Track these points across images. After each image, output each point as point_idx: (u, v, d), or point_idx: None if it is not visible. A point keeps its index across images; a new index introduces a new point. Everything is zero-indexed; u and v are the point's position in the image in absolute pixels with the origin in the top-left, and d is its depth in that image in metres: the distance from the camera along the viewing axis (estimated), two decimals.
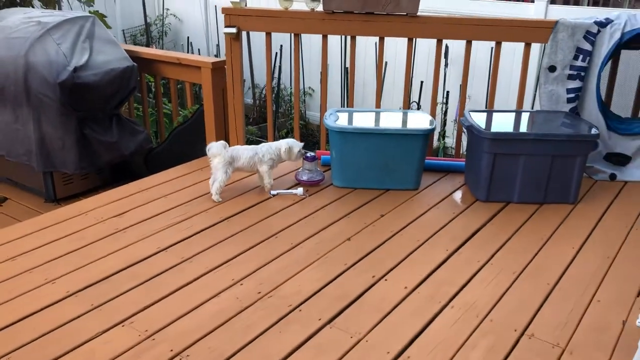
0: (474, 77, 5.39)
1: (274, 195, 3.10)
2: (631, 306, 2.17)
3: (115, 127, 3.64)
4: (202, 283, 2.28)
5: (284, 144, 3.12)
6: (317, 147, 6.40)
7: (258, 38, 6.69)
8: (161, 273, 2.34)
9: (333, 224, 2.80)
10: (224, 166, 2.98)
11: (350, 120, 3.34)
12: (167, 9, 9.01)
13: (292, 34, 3.59)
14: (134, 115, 4.28)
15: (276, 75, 7.21)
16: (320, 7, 3.40)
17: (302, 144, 3.18)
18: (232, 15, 3.43)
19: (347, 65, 6.56)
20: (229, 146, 3.07)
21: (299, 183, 3.25)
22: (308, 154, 3.24)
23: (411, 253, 2.54)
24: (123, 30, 8.48)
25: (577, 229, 2.80)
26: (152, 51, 4.23)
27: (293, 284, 2.28)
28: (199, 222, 2.79)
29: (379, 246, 2.59)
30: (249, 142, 3.85)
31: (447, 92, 5.95)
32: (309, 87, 7.27)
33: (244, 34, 3.55)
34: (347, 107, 6.41)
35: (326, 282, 2.30)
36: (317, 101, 7.22)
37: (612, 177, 3.39)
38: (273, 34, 3.60)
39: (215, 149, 2.99)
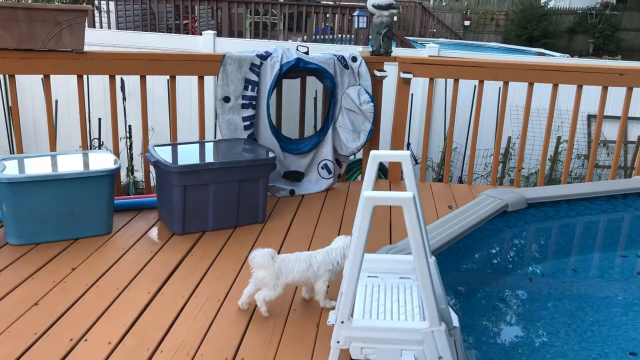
0: (154, 109, 5.38)
1: None
2: (321, 310, 2.42)
3: None
4: None
5: (342, 245, 2.38)
6: None
7: None
8: None
9: (14, 289, 2.44)
10: (271, 280, 2.29)
11: (21, 169, 2.96)
12: None
13: None
14: None
15: None
16: None
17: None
18: None
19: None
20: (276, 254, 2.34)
21: None
22: None
23: (112, 303, 2.37)
24: None
25: (269, 244, 3.00)
26: None
27: None
28: None
29: (73, 304, 2.35)
30: None
31: (130, 125, 5.81)
32: None
33: None
34: (16, 152, 5.75)
35: (15, 358, 1.98)
36: None
37: (292, 192, 3.76)
38: None
39: (261, 259, 2.28)
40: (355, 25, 4.39)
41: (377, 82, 3.96)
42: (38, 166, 3.11)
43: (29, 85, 5.65)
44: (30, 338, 2.11)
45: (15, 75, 3.19)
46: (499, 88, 4.61)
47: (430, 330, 1.77)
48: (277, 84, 3.72)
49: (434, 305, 1.74)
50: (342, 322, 1.78)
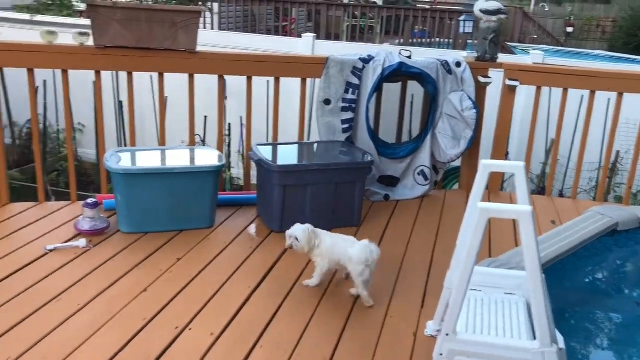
0: (253, 108, 5.53)
1: (50, 251, 2.74)
2: (418, 318, 2.38)
3: None
4: None
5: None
6: (94, 188, 5.94)
7: (15, 71, 6.00)
8: None
9: (125, 275, 2.58)
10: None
11: (134, 161, 3.14)
12: None
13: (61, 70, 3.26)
14: None
15: (40, 112, 6.51)
16: (90, 42, 3.16)
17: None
18: None
19: (122, 99, 6.22)
20: None
21: (80, 233, 2.94)
22: (89, 200, 2.96)
23: (214, 296, 2.45)
24: None
25: None
26: None
27: (83, 353, 2.03)
28: None
29: (178, 293, 2.45)
30: (13, 189, 3.36)
31: (229, 124, 6.00)
32: (79, 123, 6.71)
33: None
34: (126, 143, 6.09)
35: (124, 343, 2.10)
36: (88, 137, 6.70)
37: (386, 197, 3.73)
38: (37, 70, 3.23)
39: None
40: (461, 30, 4.31)
41: (480, 89, 3.85)
42: (149, 159, 3.28)
43: (138, 81, 5.97)
44: (139, 323, 2.22)
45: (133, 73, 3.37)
46: (608, 99, 4.34)
47: (541, 351, 1.69)
48: (377, 88, 3.70)
49: (547, 325, 1.66)
50: (447, 335, 1.74)
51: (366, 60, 3.59)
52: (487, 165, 1.96)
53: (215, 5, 11.11)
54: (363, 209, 3.37)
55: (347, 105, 3.59)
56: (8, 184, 3.27)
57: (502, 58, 4.08)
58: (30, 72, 3.20)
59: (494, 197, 3.93)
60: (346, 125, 3.62)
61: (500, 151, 4.01)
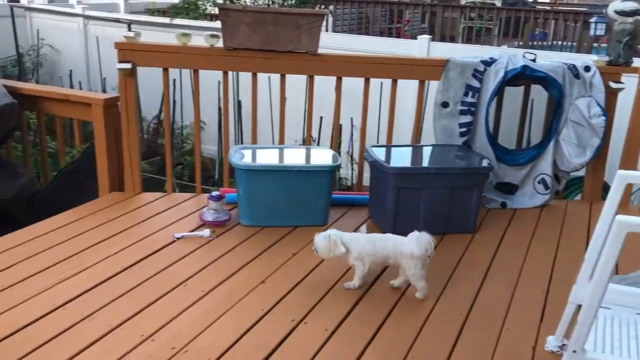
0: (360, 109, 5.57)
1: (177, 239, 2.94)
2: (537, 331, 2.29)
3: None
4: (107, 343, 2.08)
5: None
6: (212, 182, 6.26)
7: (143, 71, 6.48)
8: (59, 335, 2.11)
9: (245, 266, 2.70)
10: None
11: (254, 158, 3.27)
12: (43, 39, 8.46)
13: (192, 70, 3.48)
14: (12, 156, 3.90)
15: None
16: (219, 44, 3.34)
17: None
18: (127, 51, 3.27)
19: (240, 98, 6.50)
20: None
21: (204, 224, 3.12)
22: (213, 193, 3.13)
23: (327, 292, 2.50)
24: None
25: (479, 257, 2.92)
26: (34, 87, 3.92)
27: (209, 336, 2.15)
28: (97, 273, 2.56)
29: (294, 287, 2.53)
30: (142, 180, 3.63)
31: (340, 125, 6.08)
32: (201, 121, 7.10)
33: None
34: (242, 141, 6.36)
35: (244, 330, 2.20)
36: (208, 134, 7.06)
37: (503, 205, 3.61)
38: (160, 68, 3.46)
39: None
40: (591, 33, 4.07)
41: (611, 95, 3.61)
42: (268, 156, 3.41)
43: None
44: (257, 314, 2.31)
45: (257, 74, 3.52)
46: None
47: None
48: (498, 92, 3.59)
49: None
50: (574, 352, 1.65)
51: (488, 63, 3.49)
52: (624, 176, 1.84)
53: (330, 7, 11.28)
54: (478, 215, 3.29)
55: (466, 108, 3.51)
56: (141, 176, 3.54)
57: (638, 62, 3.80)
58: (165, 71, 3.44)
59: (622, 210, 3.66)
60: (464, 129, 3.54)
61: (632, 161, 3.73)
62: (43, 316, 2.21)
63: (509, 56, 3.54)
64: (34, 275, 2.51)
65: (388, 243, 2.48)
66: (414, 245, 2.41)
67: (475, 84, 3.49)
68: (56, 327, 2.14)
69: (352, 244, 2.48)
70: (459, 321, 2.33)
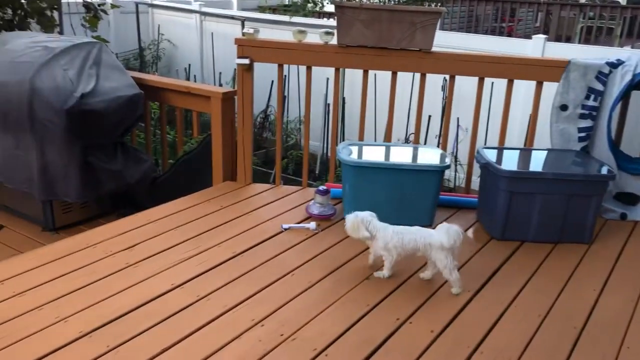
0: (466, 110, 5.43)
1: (285, 230, 3.02)
2: (624, 336, 2.13)
3: (121, 155, 3.56)
4: (221, 323, 2.19)
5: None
6: (313, 177, 6.37)
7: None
8: (177, 312, 2.25)
9: (349, 261, 2.73)
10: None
11: (360, 154, 3.29)
12: (162, 34, 8.99)
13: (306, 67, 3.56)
14: (135, 143, 4.19)
15: (272, 103, 7.19)
16: (333, 41, 3.39)
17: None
18: (245, 47, 3.40)
19: (344, 95, 6.56)
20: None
21: (310, 217, 3.19)
22: (320, 188, 3.19)
23: (434, 293, 2.48)
24: (116, 54, 8.42)
25: (595, 270, 2.77)
26: (158, 79, 4.18)
27: (315, 326, 2.20)
28: (211, 257, 2.70)
29: (399, 286, 2.52)
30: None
31: None
32: (303, 116, 7.25)
33: None
34: (343, 137, 6.42)
35: (350, 324, 2.23)
36: (311, 130, 7.18)
37: (623, 216, 3.38)
38: (269, 65, 3.55)
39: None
40: None
41: None
42: (375, 154, 3.42)
43: (359, 79, 6.24)
44: (363, 309, 2.33)
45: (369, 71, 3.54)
46: None
47: None
48: (624, 95, 3.36)
49: None
50: None
51: (614, 65, 3.28)
52: None
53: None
54: (595, 226, 3.11)
55: (587, 112, 3.33)
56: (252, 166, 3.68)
57: None
58: (280, 67, 3.54)
59: None
60: (583, 134, 3.36)
61: None
62: (163, 294, 2.37)
63: (639, 58, 3.31)
64: (156, 255, 2.69)
65: (417, 236, 2.48)
66: (443, 236, 2.39)
67: (599, 86, 3.29)
68: (175, 306, 2.28)
69: (380, 233, 2.51)
70: (573, 334, 2.22)
